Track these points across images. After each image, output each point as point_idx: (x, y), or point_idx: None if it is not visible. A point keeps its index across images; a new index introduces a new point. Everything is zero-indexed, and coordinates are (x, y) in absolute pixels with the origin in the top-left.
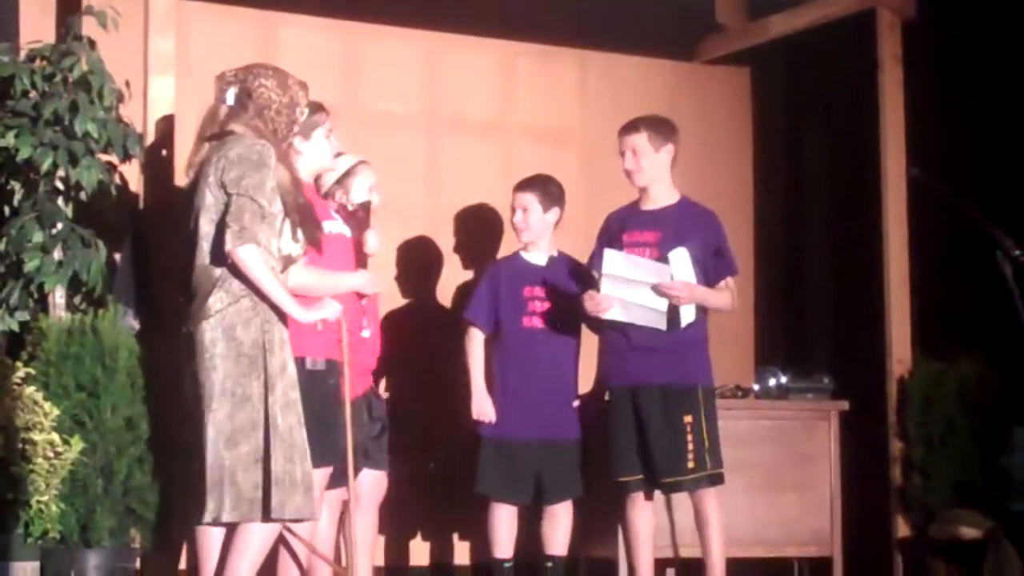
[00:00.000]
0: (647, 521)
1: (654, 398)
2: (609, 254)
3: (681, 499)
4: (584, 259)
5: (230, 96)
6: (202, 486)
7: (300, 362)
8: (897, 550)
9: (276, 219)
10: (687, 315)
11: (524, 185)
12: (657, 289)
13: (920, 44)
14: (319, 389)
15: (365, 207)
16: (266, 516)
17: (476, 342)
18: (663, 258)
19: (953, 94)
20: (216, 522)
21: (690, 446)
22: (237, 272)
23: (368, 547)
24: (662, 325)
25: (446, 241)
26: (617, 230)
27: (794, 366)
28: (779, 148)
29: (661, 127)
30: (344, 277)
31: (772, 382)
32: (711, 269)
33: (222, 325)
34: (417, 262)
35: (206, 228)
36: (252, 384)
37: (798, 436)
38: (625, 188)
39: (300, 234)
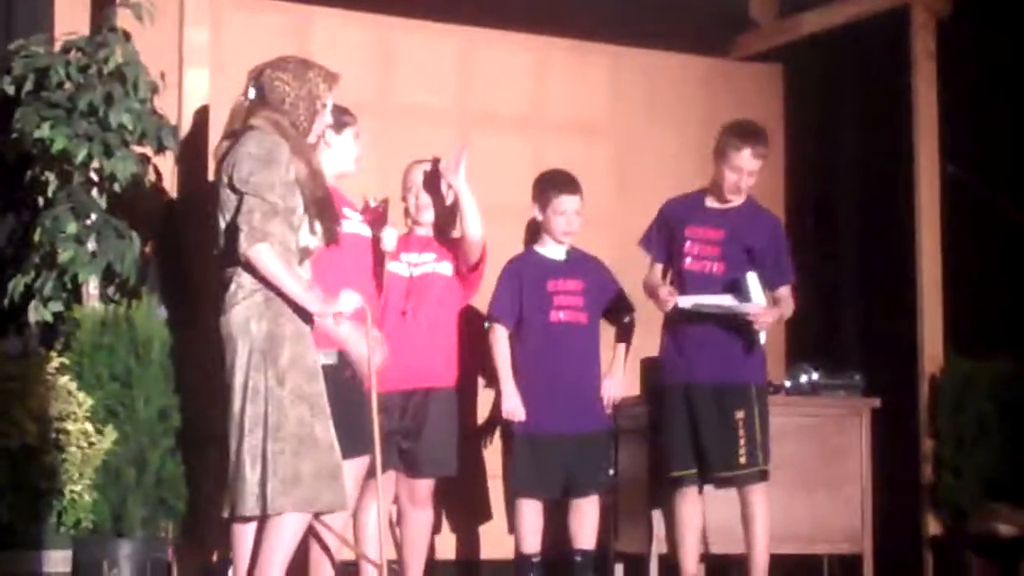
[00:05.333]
0: (697, 515)
1: (707, 394)
2: (683, 301)
3: (713, 497)
4: (611, 254)
5: (251, 91)
6: (224, 479)
7: None
8: (928, 548)
9: (293, 213)
10: (763, 337)
11: (575, 188)
12: (749, 319)
13: (955, 42)
14: (333, 382)
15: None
16: (265, 510)
17: (501, 339)
18: (724, 256)
19: (988, 92)
20: (232, 516)
21: (742, 442)
22: (252, 269)
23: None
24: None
25: None
26: (677, 223)
27: (826, 363)
28: (812, 145)
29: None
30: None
31: (804, 379)
32: (770, 275)
33: (238, 319)
34: None
35: (221, 225)
36: (261, 378)
37: (829, 433)
38: (656, 186)
39: (318, 227)
